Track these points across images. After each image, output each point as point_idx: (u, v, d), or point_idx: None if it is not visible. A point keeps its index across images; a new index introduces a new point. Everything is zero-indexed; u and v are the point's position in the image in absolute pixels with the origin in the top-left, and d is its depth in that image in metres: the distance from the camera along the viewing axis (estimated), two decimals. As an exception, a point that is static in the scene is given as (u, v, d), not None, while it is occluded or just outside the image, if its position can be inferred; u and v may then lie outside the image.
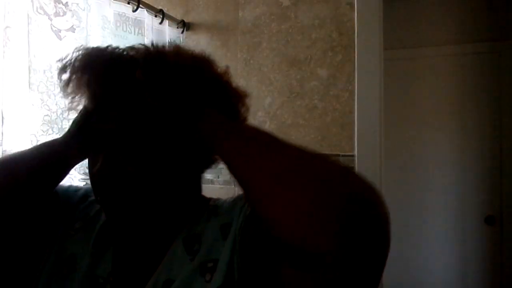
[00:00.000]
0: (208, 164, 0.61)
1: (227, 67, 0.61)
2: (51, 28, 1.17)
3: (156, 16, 1.58)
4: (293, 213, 0.40)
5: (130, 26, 1.45)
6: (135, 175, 0.53)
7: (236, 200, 0.57)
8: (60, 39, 1.19)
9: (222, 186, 1.50)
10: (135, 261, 0.57)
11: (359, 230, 0.39)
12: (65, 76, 0.55)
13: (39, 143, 1.06)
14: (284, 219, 0.41)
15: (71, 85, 0.55)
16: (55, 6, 1.18)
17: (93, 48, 0.56)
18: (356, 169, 1.45)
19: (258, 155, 0.46)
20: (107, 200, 0.55)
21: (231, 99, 0.60)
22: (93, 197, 0.64)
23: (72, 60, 0.54)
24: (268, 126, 1.59)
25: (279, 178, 0.43)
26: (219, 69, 0.60)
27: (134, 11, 1.45)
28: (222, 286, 0.49)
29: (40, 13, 1.14)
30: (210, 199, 0.63)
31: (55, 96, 1.15)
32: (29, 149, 0.63)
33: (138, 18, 1.48)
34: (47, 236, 0.61)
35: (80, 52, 0.55)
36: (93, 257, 0.58)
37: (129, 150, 0.53)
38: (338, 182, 0.42)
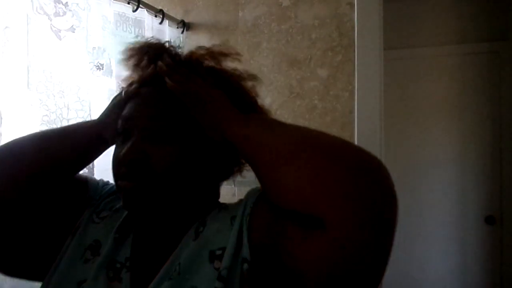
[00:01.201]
0: (226, 175, 0.65)
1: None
2: (51, 28, 1.17)
3: (156, 16, 1.58)
4: (300, 182, 0.44)
5: (130, 26, 1.45)
6: (159, 159, 0.55)
7: (244, 196, 0.59)
8: (60, 39, 1.19)
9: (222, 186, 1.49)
10: (151, 249, 0.60)
11: (361, 194, 0.42)
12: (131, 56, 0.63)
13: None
14: (292, 188, 0.45)
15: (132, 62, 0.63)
16: (55, 6, 1.18)
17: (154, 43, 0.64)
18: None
19: (266, 134, 0.52)
20: (129, 194, 0.56)
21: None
22: None
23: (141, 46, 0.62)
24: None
25: (285, 152, 0.48)
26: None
27: (134, 11, 1.45)
28: (229, 268, 0.51)
29: (39, 13, 1.14)
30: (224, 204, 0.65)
31: (54, 96, 1.15)
32: (67, 127, 0.69)
33: (138, 18, 1.48)
34: (72, 219, 0.64)
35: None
36: (116, 242, 0.60)
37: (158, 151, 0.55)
38: (339, 153, 0.46)
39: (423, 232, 2.60)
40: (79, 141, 0.63)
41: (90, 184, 0.67)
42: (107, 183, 0.70)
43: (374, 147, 1.45)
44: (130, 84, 0.63)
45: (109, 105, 0.66)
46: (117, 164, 0.56)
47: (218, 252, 0.53)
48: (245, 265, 0.50)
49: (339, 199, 0.42)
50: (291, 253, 0.47)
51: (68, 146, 0.63)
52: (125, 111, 0.59)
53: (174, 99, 0.57)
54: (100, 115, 0.66)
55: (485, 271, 2.50)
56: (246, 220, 0.53)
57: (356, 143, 1.46)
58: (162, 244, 0.59)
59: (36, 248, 0.63)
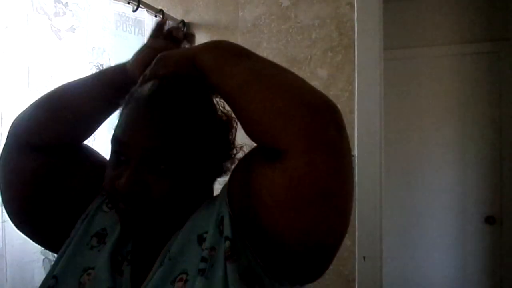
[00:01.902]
0: (219, 174, 0.65)
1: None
2: (51, 28, 1.17)
3: (156, 16, 1.58)
4: (265, 114, 0.48)
5: (130, 26, 1.45)
6: (160, 191, 0.55)
7: None
8: (60, 39, 1.19)
9: (222, 186, 1.48)
10: (150, 244, 0.61)
11: (317, 129, 0.46)
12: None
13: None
14: (257, 120, 0.49)
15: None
16: (55, 6, 1.18)
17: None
18: (356, 169, 1.45)
19: (235, 63, 0.54)
20: (127, 211, 0.56)
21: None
22: None
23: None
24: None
25: (252, 83, 0.51)
26: None
27: (134, 11, 1.45)
28: (212, 248, 0.53)
29: (39, 13, 1.14)
30: None
31: (54, 96, 1.15)
32: (95, 74, 0.70)
33: (138, 18, 1.48)
34: (86, 203, 0.66)
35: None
36: (121, 235, 0.61)
37: (155, 165, 0.55)
38: (300, 91, 0.50)
39: (423, 232, 2.60)
40: (112, 80, 0.65)
41: None
42: None
43: (374, 147, 1.45)
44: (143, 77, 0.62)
45: (137, 52, 0.66)
46: (114, 191, 0.55)
47: (205, 236, 0.55)
48: (227, 242, 0.52)
49: (299, 132, 0.46)
50: (256, 189, 0.50)
51: (101, 84, 0.66)
52: (120, 131, 0.57)
53: (173, 124, 0.56)
54: (130, 60, 0.66)
55: (485, 271, 2.50)
56: (225, 193, 0.56)
57: (356, 143, 1.46)
58: (159, 239, 0.60)
59: (55, 215, 0.65)
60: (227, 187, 0.58)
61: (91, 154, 0.70)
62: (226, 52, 0.56)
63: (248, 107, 0.50)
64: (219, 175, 0.66)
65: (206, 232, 0.55)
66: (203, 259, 0.53)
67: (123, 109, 0.60)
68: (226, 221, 0.54)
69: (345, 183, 0.49)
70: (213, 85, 0.55)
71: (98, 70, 0.71)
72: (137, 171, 0.54)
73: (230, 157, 0.65)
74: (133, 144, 0.54)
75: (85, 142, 0.71)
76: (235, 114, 0.54)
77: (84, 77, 0.70)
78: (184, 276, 0.54)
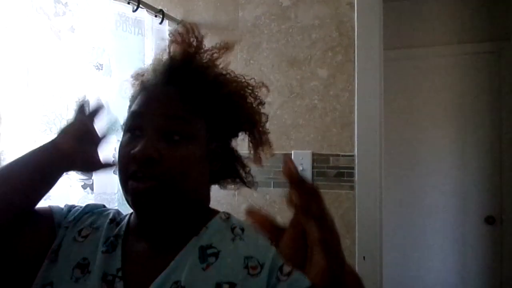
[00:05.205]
0: (216, 179, 0.66)
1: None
2: (51, 28, 1.17)
3: (156, 16, 1.58)
4: None
5: (130, 26, 1.45)
6: (171, 160, 0.55)
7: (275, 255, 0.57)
8: (60, 39, 1.19)
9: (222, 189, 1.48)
10: (144, 259, 0.59)
11: None
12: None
13: (36, 143, 1.00)
14: None
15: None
16: (55, 6, 1.18)
17: None
18: (356, 169, 1.45)
19: None
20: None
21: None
22: (100, 209, 0.67)
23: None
24: (268, 126, 1.58)
25: None
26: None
27: (134, 11, 1.45)
28: None
29: (39, 13, 1.14)
30: (217, 211, 0.65)
31: (53, 96, 1.15)
32: (25, 156, 0.63)
33: (138, 18, 1.48)
34: (42, 246, 0.61)
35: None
36: (104, 257, 0.59)
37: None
38: None
39: (423, 232, 2.60)
40: (37, 170, 0.61)
41: (54, 210, 0.65)
42: (72, 206, 0.68)
43: (373, 147, 1.45)
44: (142, 74, 0.64)
45: (65, 128, 0.65)
46: (128, 162, 0.55)
47: (225, 286, 0.53)
48: None
49: None
50: None
51: (27, 177, 0.60)
52: (137, 106, 0.59)
53: (189, 100, 0.58)
54: (58, 136, 0.64)
55: (485, 271, 2.50)
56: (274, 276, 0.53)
57: (356, 143, 1.46)
58: (155, 253, 0.59)
59: (7, 278, 0.59)
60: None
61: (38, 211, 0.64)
62: None
63: None
64: (215, 181, 0.65)
65: (227, 283, 0.53)
66: None
67: (138, 92, 0.63)
68: None
69: None
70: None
71: (26, 155, 0.63)
72: (153, 139, 0.55)
73: (230, 169, 0.65)
74: (151, 113, 0.57)
75: None
76: None
77: (12, 169, 0.63)
78: None
